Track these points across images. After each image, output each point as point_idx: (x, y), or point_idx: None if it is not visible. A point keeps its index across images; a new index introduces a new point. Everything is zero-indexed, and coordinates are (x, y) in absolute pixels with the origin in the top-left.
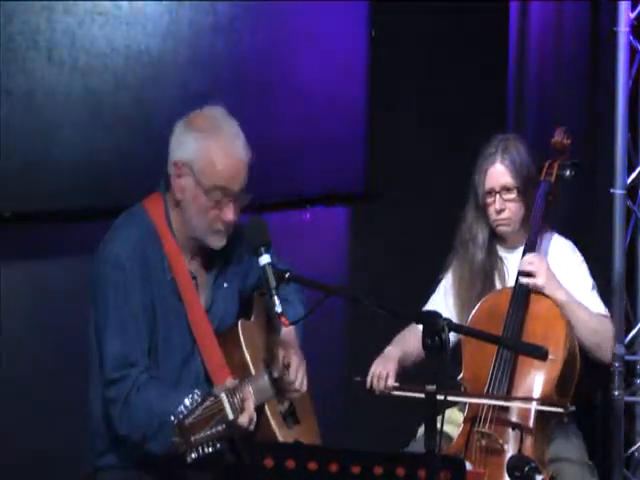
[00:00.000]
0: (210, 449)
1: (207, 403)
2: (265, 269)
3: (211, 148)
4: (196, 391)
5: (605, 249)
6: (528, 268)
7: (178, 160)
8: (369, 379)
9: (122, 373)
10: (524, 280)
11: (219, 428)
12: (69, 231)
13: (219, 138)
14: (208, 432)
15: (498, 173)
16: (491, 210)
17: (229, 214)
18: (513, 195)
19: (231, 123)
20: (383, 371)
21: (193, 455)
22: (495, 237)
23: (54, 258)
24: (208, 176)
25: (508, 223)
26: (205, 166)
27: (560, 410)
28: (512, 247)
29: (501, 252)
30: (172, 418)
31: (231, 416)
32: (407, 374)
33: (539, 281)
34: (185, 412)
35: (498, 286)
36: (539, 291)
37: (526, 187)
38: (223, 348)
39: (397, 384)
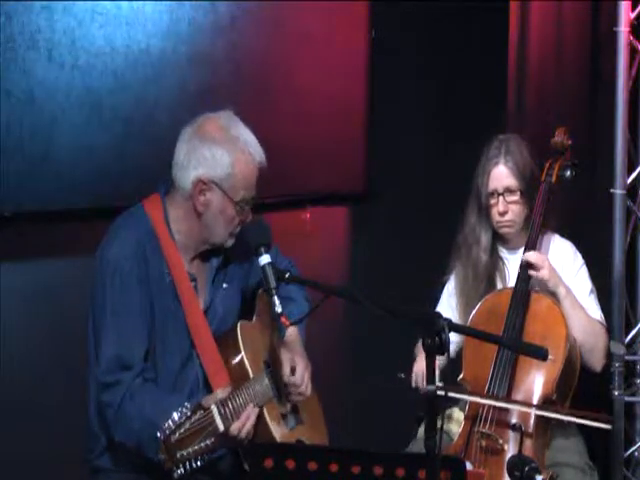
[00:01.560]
0: (198, 463)
1: (196, 416)
2: (265, 269)
3: (241, 164)
4: (186, 404)
5: (605, 249)
6: (531, 260)
7: (204, 177)
8: (414, 377)
9: (116, 377)
10: (531, 272)
11: (208, 442)
12: (69, 231)
13: (245, 150)
14: (197, 446)
15: (501, 175)
16: (494, 212)
17: (250, 215)
18: (516, 197)
19: (244, 127)
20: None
21: (179, 472)
22: (497, 238)
23: (54, 258)
24: (238, 190)
25: (511, 225)
26: (236, 182)
27: (562, 418)
28: (514, 248)
29: (502, 253)
30: (158, 434)
31: (222, 428)
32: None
33: (544, 274)
34: (172, 427)
35: (499, 287)
36: (542, 283)
37: (529, 188)
38: (222, 350)
39: (441, 384)
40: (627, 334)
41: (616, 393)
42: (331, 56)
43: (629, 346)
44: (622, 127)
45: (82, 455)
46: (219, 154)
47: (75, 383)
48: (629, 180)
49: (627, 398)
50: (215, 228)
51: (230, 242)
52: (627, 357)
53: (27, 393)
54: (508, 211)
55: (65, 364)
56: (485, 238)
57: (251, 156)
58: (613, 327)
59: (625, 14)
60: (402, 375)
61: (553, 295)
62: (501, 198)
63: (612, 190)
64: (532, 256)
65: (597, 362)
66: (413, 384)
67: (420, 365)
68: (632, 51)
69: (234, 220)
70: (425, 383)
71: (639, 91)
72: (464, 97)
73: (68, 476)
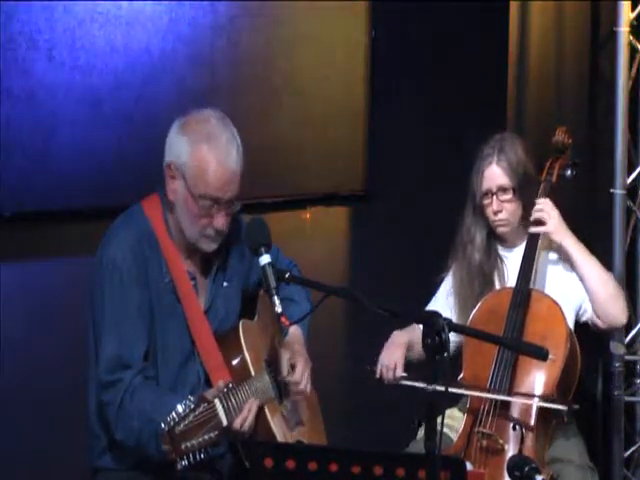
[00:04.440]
0: (202, 455)
1: (200, 409)
2: (265, 269)
3: (204, 157)
4: (189, 397)
5: (605, 249)
6: (538, 215)
7: (171, 162)
8: (378, 369)
9: (116, 376)
10: (533, 229)
11: (212, 435)
12: (69, 231)
13: (213, 146)
14: (200, 439)
15: (494, 174)
16: (489, 211)
17: (220, 222)
18: (509, 195)
19: (227, 130)
20: (391, 361)
21: (183, 463)
22: (494, 236)
23: (54, 258)
24: (199, 185)
25: (506, 224)
26: (196, 175)
27: (563, 408)
28: (511, 246)
29: (500, 251)
30: (162, 426)
31: (225, 422)
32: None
33: (549, 227)
34: (176, 419)
35: (497, 286)
36: (550, 239)
37: (523, 187)
38: (223, 349)
39: (405, 374)
40: (627, 334)
41: (616, 393)
42: (331, 55)
43: (629, 346)
44: (622, 127)
45: (82, 455)
46: (182, 141)
47: (75, 383)
48: (629, 180)
49: (627, 398)
50: (183, 221)
51: (207, 246)
52: (627, 357)
53: (27, 393)
54: (502, 210)
55: (65, 364)
56: (480, 237)
57: (215, 154)
58: None
59: (625, 14)
60: (368, 367)
61: (561, 249)
62: (495, 197)
63: (612, 190)
64: (538, 211)
65: (620, 312)
66: (377, 375)
67: (386, 355)
68: (632, 51)
69: (200, 219)
70: (390, 374)
71: (639, 91)
72: (464, 97)
73: (68, 476)
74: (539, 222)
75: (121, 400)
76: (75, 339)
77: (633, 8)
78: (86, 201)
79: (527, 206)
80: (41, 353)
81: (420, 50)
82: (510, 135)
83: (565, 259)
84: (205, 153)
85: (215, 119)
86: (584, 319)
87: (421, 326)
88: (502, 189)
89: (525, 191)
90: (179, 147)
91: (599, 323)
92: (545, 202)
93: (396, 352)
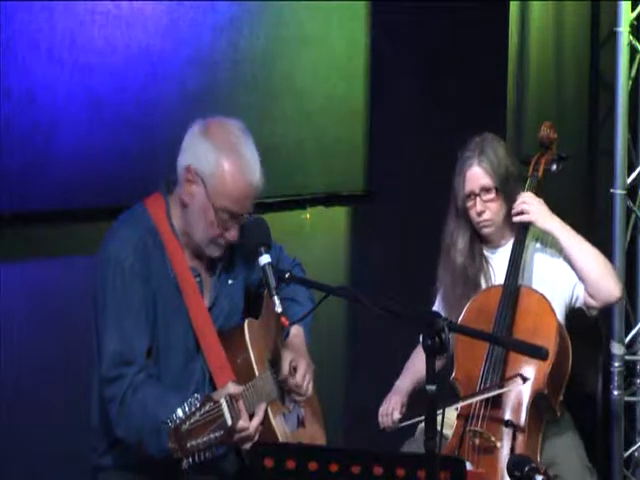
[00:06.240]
0: (207, 454)
1: (206, 408)
2: (265, 269)
3: (228, 169)
4: (196, 395)
5: (605, 249)
6: (519, 207)
7: (192, 166)
8: (380, 419)
9: (118, 372)
10: (517, 218)
11: (217, 434)
12: (69, 231)
13: (237, 160)
14: (205, 438)
15: (476, 175)
16: (472, 213)
17: (233, 234)
18: (492, 195)
19: (250, 143)
20: (388, 408)
21: (189, 460)
22: (478, 238)
23: (54, 258)
24: (221, 198)
25: (490, 224)
26: (219, 186)
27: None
28: (496, 246)
29: (485, 252)
30: (169, 423)
31: (230, 422)
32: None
33: (531, 215)
34: (182, 417)
35: (484, 287)
36: (535, 225)
37: (505, 186)
38: (227, 347)
39: (400, 416)
40: (627, 334)
41: (616, 393)
42: (331, 56)
43: (629, 346)
44: (622, 127)
45: (82, 455)
46: (209, 151)
47: (76, 382)
48: (629, 180)
49: (627, 398)
50: (195, 226)
51: (213, 252)
52: (627, 357)
53: (28, 393)
54: (486, 210)
55: (66, 364)
56: (462, 241)
57: (240, 169)
58: (613, 327)
59: (625, 14)
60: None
61: (550, 235)
62: (478, 198)
63: (612, 190)
64: (520, 204)
65: (613, 285)
66: (381, 426)
67: (383, 405)
68: (632, 51)
69: (214, 226)
70: (387, 419)
71: (639, 91)
72: (464, 97)
73: (70, 475)
74: (522, 214)
75: (123, 396)
76: (75, 339)
77: (633, 8)
78: (86, 201)
79: (510, 205)
80: (41, 353)
81: (420, 50)
82: (490, 136)
83: (551, 246)
84: (231, 168)
85: (238, 131)
86: (578, 305)
87: (420, 356)
88: (485, 189)
89: (507, 190)
90: (203, 153)
91: (593, 303)
92: (526, 195)
93: (392, 399)
